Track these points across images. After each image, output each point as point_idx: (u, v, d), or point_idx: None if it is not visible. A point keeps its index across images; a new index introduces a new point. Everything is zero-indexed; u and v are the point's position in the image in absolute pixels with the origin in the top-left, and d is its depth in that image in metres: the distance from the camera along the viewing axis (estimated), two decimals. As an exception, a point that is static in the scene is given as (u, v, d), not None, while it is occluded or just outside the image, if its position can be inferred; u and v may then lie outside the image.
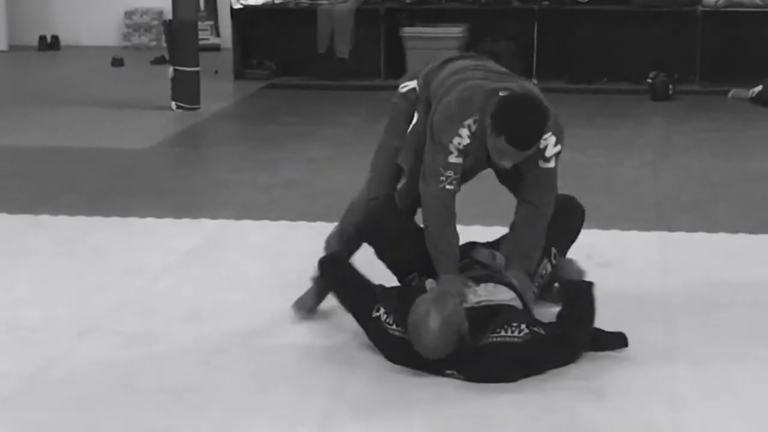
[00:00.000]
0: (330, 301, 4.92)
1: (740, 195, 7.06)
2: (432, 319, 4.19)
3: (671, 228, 6.19)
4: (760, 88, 10.19)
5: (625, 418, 3.99)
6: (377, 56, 11.58)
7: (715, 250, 5.85)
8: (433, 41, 11.41)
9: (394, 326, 4.38)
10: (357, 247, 4.94)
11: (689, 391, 4.21)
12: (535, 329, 4.29)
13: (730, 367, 4.39)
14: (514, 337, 4.25)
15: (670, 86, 10.50)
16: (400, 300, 4.44)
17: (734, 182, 7.38)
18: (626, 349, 4.44)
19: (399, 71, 11.52)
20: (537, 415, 4.01)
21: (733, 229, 6.18)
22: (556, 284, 4.66)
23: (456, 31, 11.46)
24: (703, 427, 3.94)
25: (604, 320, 4.49)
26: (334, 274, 4.74)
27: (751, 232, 6.14)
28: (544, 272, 4.65)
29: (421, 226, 4.65)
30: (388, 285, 4.66)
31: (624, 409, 4.07)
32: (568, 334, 4.36)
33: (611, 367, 4.36)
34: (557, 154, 4.57)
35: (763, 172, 7.65)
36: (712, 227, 6.24)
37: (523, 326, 4.27)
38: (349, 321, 4.84)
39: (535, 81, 11.25)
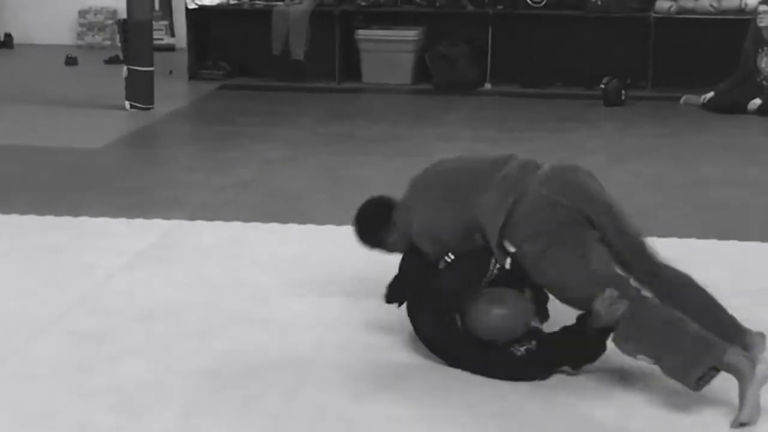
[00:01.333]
0: (285, 301, 4.94)
1: (691, 200, 7.12)
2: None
3: (622, 232, 6.23)
4: (711, 94, 10.28)
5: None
6: (332, 58, 11.59)
7: (665, 255, 5.89)
8: (387, 44, 11.46)
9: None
10: None
11: (637, 391, 4.24)
12: (533, 344, 4.41)
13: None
14: (518, 350, 4.40)
15: (623, 92, 10.58)
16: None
17: (685, 187, 7.44)
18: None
19: (354, 73, 11.59)
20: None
21: (684, 234, 6.23)
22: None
23: (411, 34, 11.51)
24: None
25: (552, 325, 4.54)
26: None
27: (700, 236, 6.20)
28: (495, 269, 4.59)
29: None
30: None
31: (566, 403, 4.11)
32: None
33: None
34: None
35: (713, 177, 7.73)
36: (662, 232, 6.28)
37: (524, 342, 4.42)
38: (303, 321, 4.85)
39: (489, 85, 11.33)
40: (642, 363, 4.19)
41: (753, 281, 5.50)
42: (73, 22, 14.39)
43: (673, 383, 4.14)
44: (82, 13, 14.33)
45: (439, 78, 11.39)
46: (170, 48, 13.56)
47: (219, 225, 6.37)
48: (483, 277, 4.43)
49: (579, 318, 4.38)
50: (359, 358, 4.54)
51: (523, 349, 4.38)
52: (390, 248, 4.70)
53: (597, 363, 4.39)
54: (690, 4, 11.22)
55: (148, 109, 9.94)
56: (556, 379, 4.35)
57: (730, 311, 4.68)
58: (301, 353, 4.58)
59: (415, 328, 4.52)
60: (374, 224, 4.68)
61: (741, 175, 7.83)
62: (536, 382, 4.32)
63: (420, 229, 4.51)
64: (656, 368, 4.15)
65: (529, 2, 11.38)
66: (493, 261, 4.44)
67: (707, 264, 5.74)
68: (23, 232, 6.18)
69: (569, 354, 4.39)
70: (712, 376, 4.05)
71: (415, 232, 4.52)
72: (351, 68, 11.66)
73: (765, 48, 10.19)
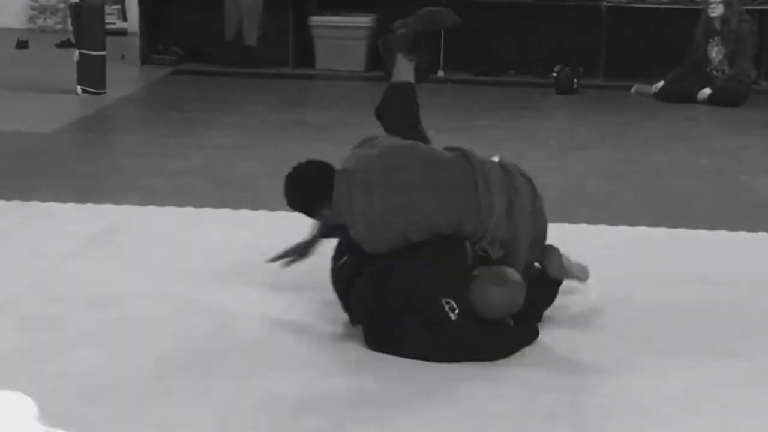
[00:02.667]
0: (236, 287, 4.94)
1: (641, 188, 7.18)
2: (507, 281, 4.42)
3: (572, 220, 6.27)
4: (662, 83, 10.35)
5: (526, 404, 4.06)
6: (285, 45, 11.58)
7: (615, 243, 5.95)
8: (341, 30, 11.46)
9: None
10: None
11: (586, 379, 4.28)
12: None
13: (624, 357, 4.48)
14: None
15: (575, 80, 10.64)
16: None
17: (635, 175, 7.50)
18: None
19: (307, 60, 11.57)
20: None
21: (634, 222, 6.28)
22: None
23: (364, 20, 11.51)
24: (599, 417, 4.02)
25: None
26: None
27: (650, 224, 6.25)
28: None
29: None
30: None
31: (524, 394, 4.14)
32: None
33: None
34: None
35: (663, 165, 7.80)
36: (612, 220, 6.34)
37: None
38: (254, 308, 4.86)
39: (442, 72, 11.35)
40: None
41: (701, 270, 5.55)
42: (25, 5, 14.29)
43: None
44: (34, -4, 14.24)
45: (391, 65, 11.36)
46: (122, 32, 13.49)
47: (170, 211, 6.35)
48: (465, 262, 4.49)
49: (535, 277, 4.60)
50: (311, 345, 4.55)
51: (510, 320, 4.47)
52: (318, 218, 4.73)
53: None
54: (642, -7, 11.30)
55: (100, 93, 9.89)
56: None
57: (679, 299, 4.76)
58: (252, 340, 4.58)
59: (384, 335, 4.50)
60: (311, 189, 4.66)
61: (691, 163, 7.90)
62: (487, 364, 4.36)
63: (389, 215, 4.47)
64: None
65: (483, -10, 11.41)
66: (468, 245, 4.50)
67: (656, 252, 5.81)
68: (-27, 217, 6.14)
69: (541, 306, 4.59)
70: None
71: (376, 216, 4.48)
72: (304, 55, 11.64)
73: (716, 38, 10.28)
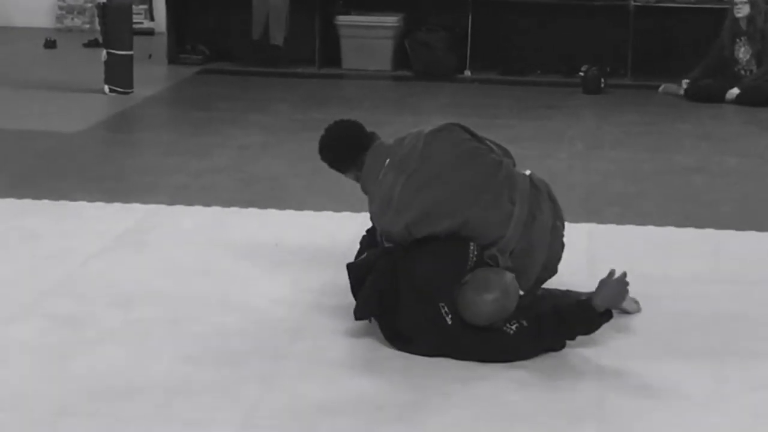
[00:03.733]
0: (263, 286, 4.95)
1: (668, 188, 7.15)
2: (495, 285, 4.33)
3: (600, 220, 6.26)
4: (687, 81, 10.31)
5: (553, 405, 4.05)
6: (312, 44, 11.57)
7: (643, 243, 5.93)
8: (367, 30, 11.45)
9: None
10: None
11: (613, 380, 4.27)
12: (524, 323, 4.37)
13: (650, 359, 4.46)
14: (510, 329, 4.37)
15: (602, 80, 10.59)
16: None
17: (662, 175, 7.47)
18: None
19: (333, 60, 11.58)
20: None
21: (661, 222, 6.26)
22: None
23: (391, 20, 11.49)
24: (626, 418, 4.00)
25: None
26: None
27: (677, 225, 6.23)
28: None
29: None
30: None
31: (551, 396, 4.13)
32: (549, 333, 4.43)
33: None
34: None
35: (689, 165, 7.76)
36: (640, 220, 6.32)
37: (514, 321, 4.38)
38: (280, 308, 4.86)
39: (469, 72, 11.33)
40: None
41: (729, 270, 5.52)
42: (52, 5, 14.32)
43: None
44: (62, -4, 14.28)
45: (418, 65, 11.38)
46: (150, 32, 13.51)
47: (197, 210, 6.37)
48: (465, 265, 4.45)
49: (580, 301, 4.44)
50: (337, 344, 4.55)
51: (514, 327, 4.37)
52: (349, 176, 4.81)
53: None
54: (669, -7, 11.25)
55: (127, 93, 9.91)
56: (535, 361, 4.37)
57: (706, 300, 4.71)
58: (278, 339, 4.59)
59: (396, 331, 4.49)
60: (348, 145, 4.77)
61: (718, 163, 7.86)
62: (512, 364, 4.34)
63: (405, 203, 4.50)
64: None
65: (510, -11, 11.39)
66: (472, 248, 4.47)
67: (684, 253, 5.78)
68: (1, 216, 6.16)
69: (562, 330, 4.42)
70: None
71: (395, 200, 4.51)
72: (330, 54, 11.64)
73: (742, 38, 10.23)
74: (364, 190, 4.71)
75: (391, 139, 4.75)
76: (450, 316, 4.36)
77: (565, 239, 4.74)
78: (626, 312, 4.82)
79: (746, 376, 4.32)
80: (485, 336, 4.36)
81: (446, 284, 4.39)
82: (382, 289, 4.49)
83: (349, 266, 4.70)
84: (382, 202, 4.57)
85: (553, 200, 4.71)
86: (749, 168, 7.75)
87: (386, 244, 4.68)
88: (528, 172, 4.75)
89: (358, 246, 4.99)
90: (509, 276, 4.41)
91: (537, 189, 4.66)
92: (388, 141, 4.75)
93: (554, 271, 4.69)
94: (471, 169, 4.60)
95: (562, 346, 4.44)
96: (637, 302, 4.87)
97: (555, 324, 4.38)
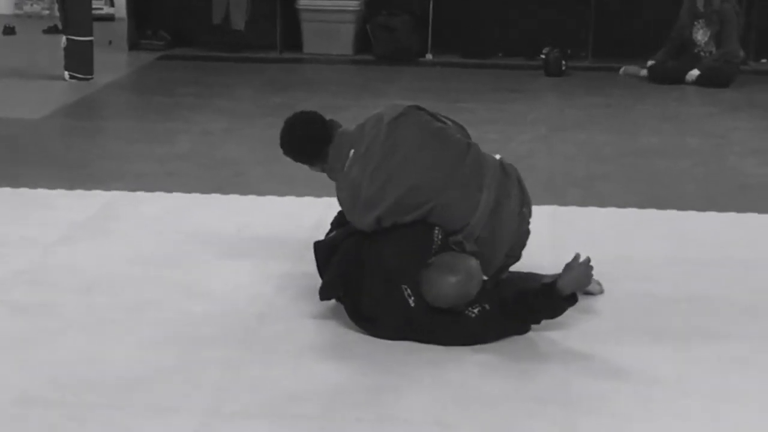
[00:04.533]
0: (226, 272, 4.94)
1: (630, 170, 7.18)
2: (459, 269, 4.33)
3: (563, 202, 6.28)
4: (652, 63, 10.35)
5: (520, 388, 4.06)
6: (273, 28, 11.55)
7: (606, 224, 5.96)
8: (329, 14, 11.44)
9: None
10: None
11: (579, 363, 4.29)
12: (486, 306, 4.38)
13: (615, 340, 4.48)
14: (472, 312, 4.37)
15: (563, 62, 10.63)
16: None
17: (624, 157, 7.50)
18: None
19: (295, 44, 11.55)
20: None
21: (623, 204, 6.29)
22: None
23: (352, 4, 11.48)
24: (593, 401, 4.02)
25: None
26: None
27: (640, 206, 6.26)
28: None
29: None
30: None
31: (517, 379, 4.14)
32: (514, 317, 4.44)
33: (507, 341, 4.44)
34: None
35: (651, 147, 7.80)
36: (602, 201, 6.35)
37: (477, 304, 4.38)
38: (244, 293, 4.85)
39: (430, 56, 11.33)
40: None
41: (691, 251, 5.55)
42: (11, -9, 14.23)
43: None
44: (20, -18, 14.18)
45: (380, 48, 11.37)
46: (110, 18, 13.45)
47: (160, 196, 6.34)
48: (430, 249, 4.45)
49: (544, 284, 4.41)
50: (303, 329, 4.54)
51: (476, 311, 4.38)
52: (314, 169, 4.80)
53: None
54: (630, -25, 11.29)
55: (88, 79, 9.86)
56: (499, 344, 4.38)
57: (669, 281, 4.72)
58: (243, 325, 4.58)
59: (361, 312, 4.49)
60: (309, 139, 4.75)
61: (679, 145, 7.90)
62: (479, 347, 4.35)
63: (375, 196, 4.49)
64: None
65: (470, -28, 11.40)
66: (437, 232, 4.48)
67: (647, 234, 5.81)
68: (-39, 204, 6.12)
69: (527, 315, 4.42)
70: None
71: (362, 191, 4.50)
72: (292, 39, 11.62)
73: (701, 20, 10.27)
74: (332, 179, 4.71)
75: (353, 125, 4.73)
76: (413, 298, 4.36)
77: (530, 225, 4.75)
78: (590, 293, 4.83)
79: (711, 357, 4.34)
80: (447, 319, 4.36)
81: (410, 267, 4.40)
82: (346, 270, 4.50)
83: (315, 245, 4.71)
84: (350, 196, 4.56)
85: (521, 186, 4.70)
86: (710, 149, 7.80)
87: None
88: (498, 156, 4.74)
89: (321, 230, 4.99)
90: (473, 260, 4.41)
91: (506, 175, 4.65)
92: (349, 128, 4.72)
93: (518, 257, 4.70)
94: (438, 157, 4.58)
95: (526, 330, 4.45)
96: (600, 284, 4.89)
97: (519, 308, 4.39)
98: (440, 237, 4.48)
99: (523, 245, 4.70)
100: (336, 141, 4.67)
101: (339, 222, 4.89)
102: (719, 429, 3.80)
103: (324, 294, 4.57)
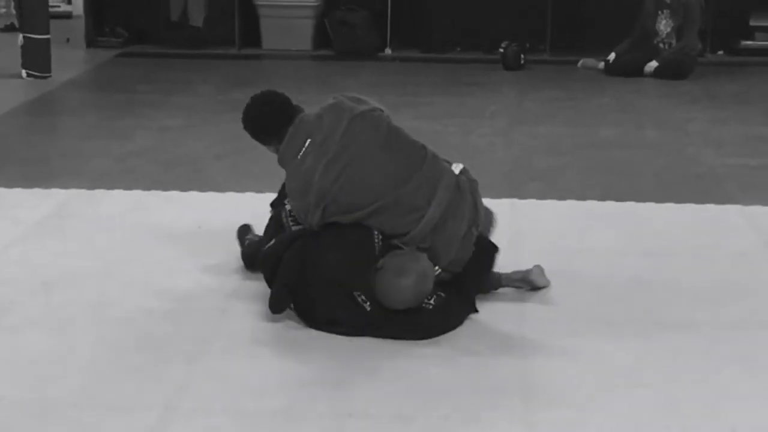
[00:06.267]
0: (186, 269, 4.93)
1: (589, 162, 7.21)
2: (411, 269, 4.33)
3: (522, 195, 6.30)
4: (613, 55, 10.38)
5: (478, 380, 4.07)
6: (231, 24, 11.51)
7: (565, 217, 5.98)
8: (287, 9, 11.41)
9: None
10: None
11: (537, 353, 4.30)
12: (441, 294, 4.42)
13: (574, 331, 4.50)
14: (429, 304, 4.41)
15: (522, 56, 10.65)
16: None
17: (583, 150, 7.53)
18: (478, 313, 4.56)
19: (253, 40, 11.52)
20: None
21: (582, 196, 6.31)
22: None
23: (311, 0, 11.46)
24: (551, 391, 4.04)
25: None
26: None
27: (599, 198, 6.28)
28: None
29: None
30: None
31: (475, 371, 4.15)
32: (468, 296, 4.51)
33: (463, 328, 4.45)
34: None
35: (610, 139, 7.83)
36: (561, 194, 6.37)
37: (431, 295, 4.42)
38: (204, 290, 4.84)
39: (389, 50, 11.34)
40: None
41: (649, 242, 5.58)
42: (-33, -10, 14.13)
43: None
44: (-24, -20, 14.08)
45: (339, 44, 11.37)
46: (67, 15, 13.36)
47: (119, 193, 6.32)
48: (373, 252, 4.45)
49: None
50: (262, 325, 4.54)
51: (432, 301, 4.40)
52: (270, 149, 4.76)
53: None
54: (588, -32, 11.33)
55: (45, 77, 9.81)
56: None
57: (627, 271, 4.72)
58: (203, 322, 4.57)
59: (316, 319, 4.49)
60: (270, 116, 4.71)
61: (638, 137, 7.94)
62: (436, 340, 4.36)
63: (324, 189, 4.46)
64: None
65: (429, -33, 11.41)
66: (376, 233, 4.47)
67: (605, 226, 5.84)
68: None
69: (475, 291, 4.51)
70: None
71: (313, 184, 4.47)
72: (250, 35, 11.59)
73: (665, 10, 10.32)
74: (281, 165, 4.68)
75: (314, 114, 4.70)
76: (368, 303, 4.37)
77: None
78: (537, 287, 4.84)
79: (668, 346, 4.37)
80: (406, 317, 4.38)
81: (357, 273, 4.40)
82: (290, 282, 4.49)
83: (261, 258, 4.69)
84: (300, 186, 4.54)
85: (476, 205, 4.64)
86: (668, 141, 7.84)
87: (292, 225, 4.66)
88: (460, 168, 4.69)
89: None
90: (423, 258, 4.42)
91: (460, 192, 4.59)
92: (310, 116, 4.69)
93: (458, 270, 4.62)
94: (394, 159, 4.55)
95: (475, 309, 4.53)
96: (544, 275, 4.88)
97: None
98: (380, 238, 4.48)
99: (465, 261, 4.61)
100: (295, 125, 4.62)
101: (275, 229, 4.81)
102: (679, 418, 3.83)
103: (275, 308, 4.55)
